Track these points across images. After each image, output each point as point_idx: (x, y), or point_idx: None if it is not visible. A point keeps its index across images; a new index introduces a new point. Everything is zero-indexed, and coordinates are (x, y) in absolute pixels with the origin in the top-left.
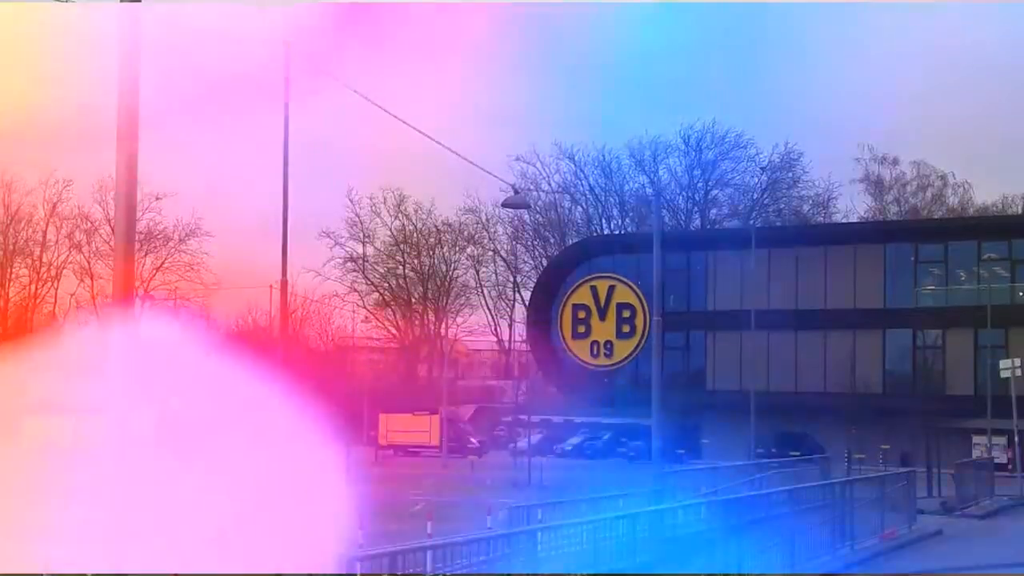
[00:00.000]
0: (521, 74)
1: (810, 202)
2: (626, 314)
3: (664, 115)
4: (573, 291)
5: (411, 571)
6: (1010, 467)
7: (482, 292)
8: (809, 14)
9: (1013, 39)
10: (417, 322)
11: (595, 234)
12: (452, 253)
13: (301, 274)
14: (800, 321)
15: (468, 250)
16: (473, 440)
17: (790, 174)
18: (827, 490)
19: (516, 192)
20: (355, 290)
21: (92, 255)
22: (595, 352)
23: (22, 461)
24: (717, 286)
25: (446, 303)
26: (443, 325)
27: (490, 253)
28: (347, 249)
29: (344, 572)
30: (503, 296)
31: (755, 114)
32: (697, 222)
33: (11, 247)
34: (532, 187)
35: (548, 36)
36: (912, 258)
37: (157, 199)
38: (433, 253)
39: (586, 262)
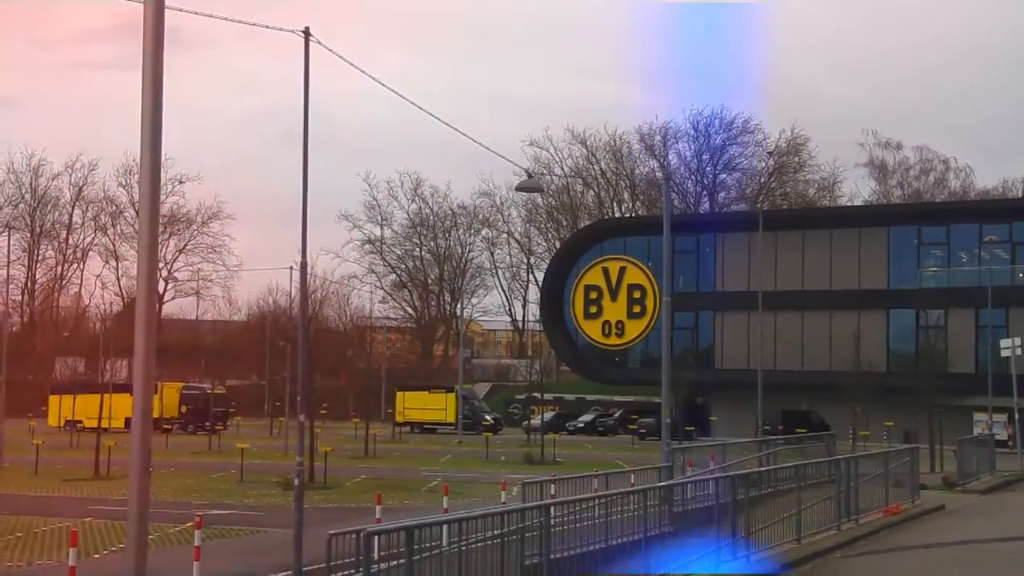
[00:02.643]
0: (533, 61)
1: (816, 186)
2: (637, 295)
3: (674, 101)
4: (585, 272)
5: (427, 545)
6: (1010, 443)
7: (496, 273)
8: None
9: (1015, 25)
10: (433, 302)
11: (606, 217)
12: (467, 235)
13: (321, 256)
14: (806, 301)
15: (483, 232)
16: (488, 417)
17: (796, 158)
18: (832, 466)
19: (529, 176)
20: (373, 271)
21: (117, 237)
22: (606, 332)
23: None
24: (725, 267)
25: (461, 284)
26: (459, 305)
27: (504, 235)
28: (365, 232)
29: (363, 546)
30: (517, 277)
31: (762, 100)
32: (706, 205)
33: (38, 230)
34: (545, 171)
35: (560, 23)
36: (915, 240)
37: (180, 183)
38: (449, 235)
39: (598, 244)
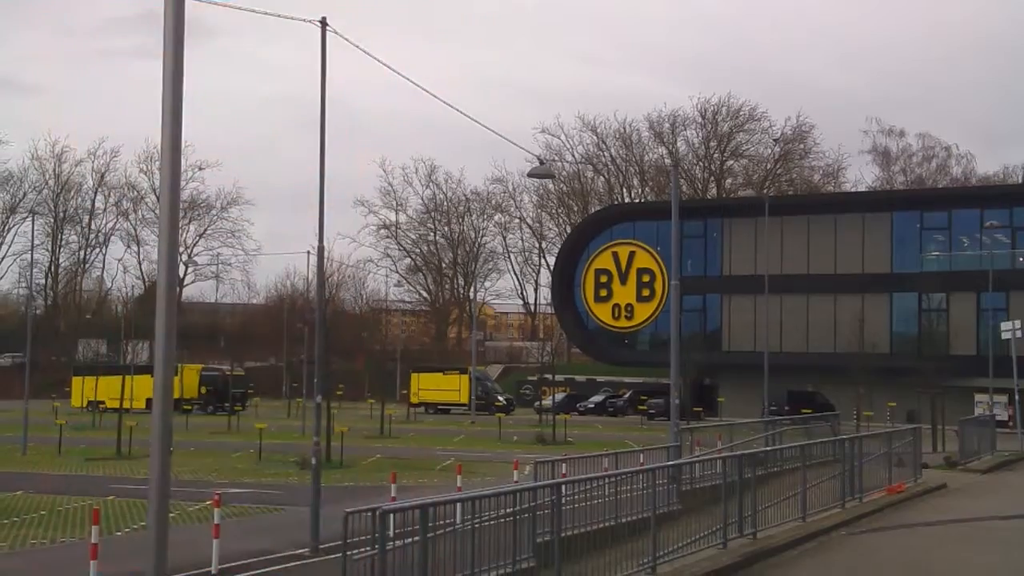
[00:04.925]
0: (545, 51)
1: (821, 172)
2: (646, 278)
3: (682, 89)
4: (595, 257)
5: (441, 523)
6: (1011, 424)
7: (509, 258)
8: None
9: (1015, 15)
10: (447, 286)
11: (616, 202)
12: (480, 220)
13: (337, 240)
14: (811, 285)
15: (496, 218)
16: (500, 398)
17: (801, 146)
18: (837, 446)
19: (541, 163)
20: (388, 256)
21: (138, 222)
22: (616, 315)
23: None
24: (732, 252)
25: (475, 268)
26: (472, 289)
27: (516, 220)
28: (380, 217)
29: (378, 524)
30: (529, 261)
31: (768, 88)
32: (713, 191)
33: (61, 215)
34: (556, 158)
35: (569, 14)
36: (918, 225)
37: (200, 169)
38: (462, 220)
39: (608, 229)
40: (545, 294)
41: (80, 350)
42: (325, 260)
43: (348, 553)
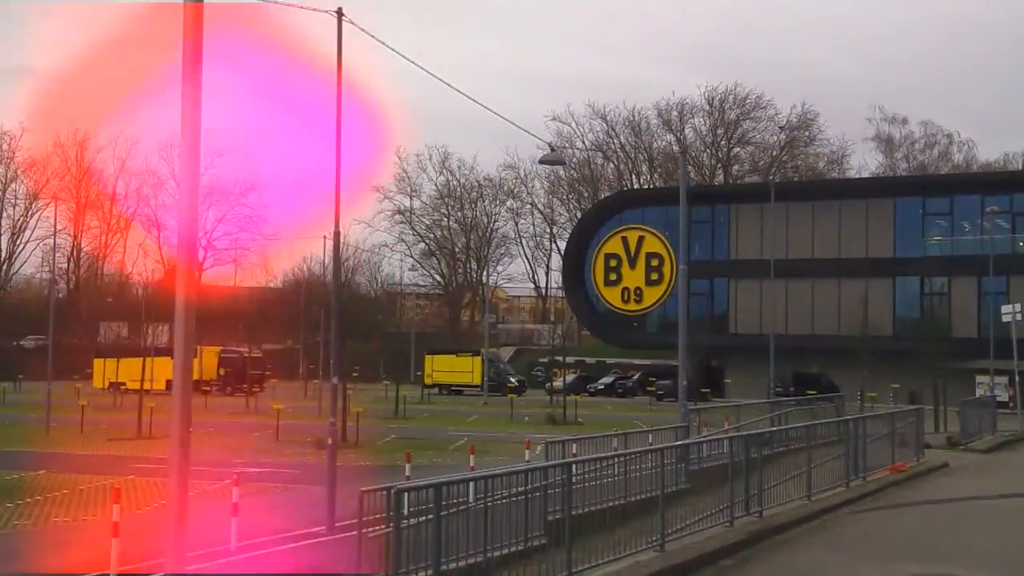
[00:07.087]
0: (555, 41)
1: (825, 159)
2: (654, 263)
3: (690, 78)
4: (605, 241)
5: (454, 501)
6: (1011, 404)
7: (521, 242)
8: None
9: (1016, 4)
10: (460, 270)
11: (626, 188)
12: (493, 206)
13: (353, 226)
14: (816, 269)
15: (508, 203)
16: (512, 379)
17: (807, 133)
18: (841, 426)
19: (552, 149)
20: (403, 240)
21: (158, 208)
22: (625, 298)
23: None
24: (739, 237)
25: (487, 252)
26: (484, 273)
27: (528, 206)
28: (395, 202)
29: (393, 502)
30: (540, 246)
31: (774, 77)
32: (720, 177)
33: (84, 201)
34: (567, 145)
35: (579, 6)
36: (920, 211)
37: (220, 156)
38: (475, 206)
39: (617, 214)
40: (556, 278)
41: (102, 333)
42: (341, 245)
43: (363, 531)
